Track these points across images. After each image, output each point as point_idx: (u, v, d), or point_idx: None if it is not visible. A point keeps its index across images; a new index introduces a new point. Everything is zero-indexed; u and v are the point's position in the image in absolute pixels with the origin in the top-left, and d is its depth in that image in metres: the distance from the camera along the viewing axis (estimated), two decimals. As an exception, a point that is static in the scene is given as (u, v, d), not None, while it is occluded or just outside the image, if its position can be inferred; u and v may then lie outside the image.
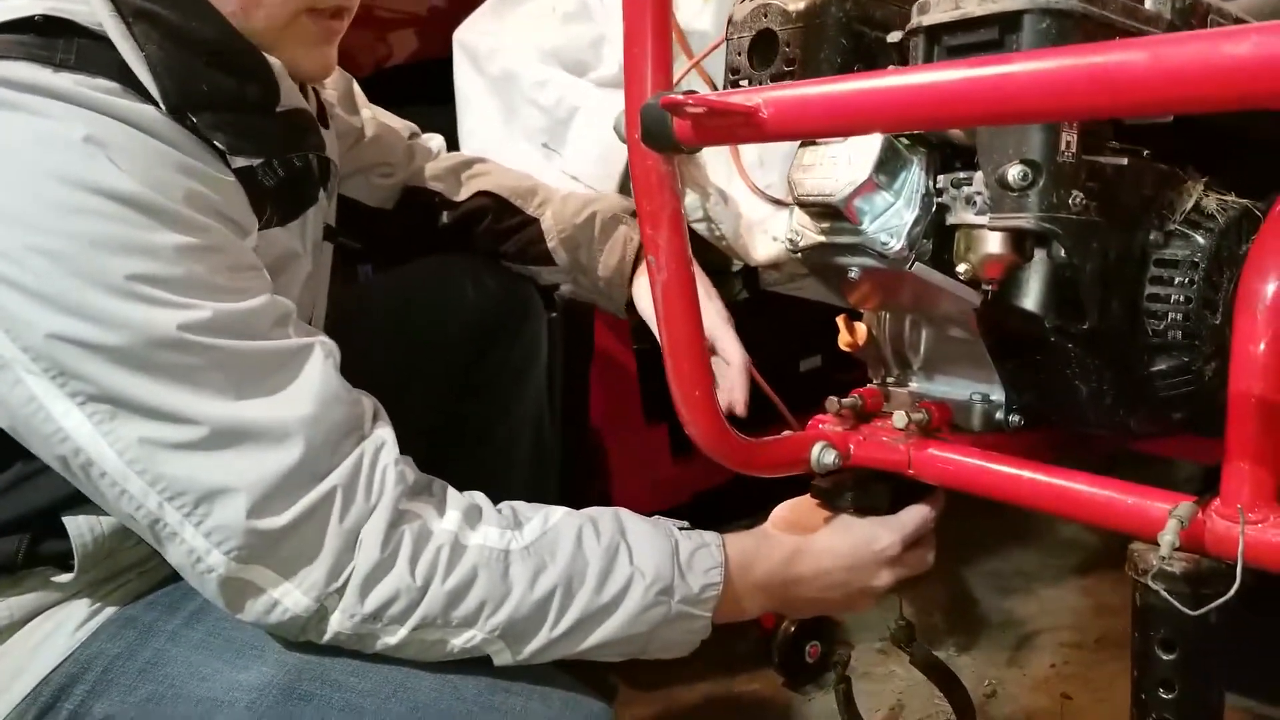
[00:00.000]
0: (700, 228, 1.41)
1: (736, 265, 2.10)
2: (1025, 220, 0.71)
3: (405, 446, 0.86)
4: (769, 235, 1.48)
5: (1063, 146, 0.71)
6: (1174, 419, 0.86)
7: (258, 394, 0.72)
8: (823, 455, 0.87)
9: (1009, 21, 0.69)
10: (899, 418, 0.88)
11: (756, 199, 1.47)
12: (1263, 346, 0.67)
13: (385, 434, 0.80)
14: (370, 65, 2.10)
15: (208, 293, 0.71)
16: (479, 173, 1.24)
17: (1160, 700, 0.74)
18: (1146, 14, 0.75)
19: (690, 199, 1.37)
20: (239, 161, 0.78)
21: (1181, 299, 0.80)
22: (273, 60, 0.81)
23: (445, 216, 1.21)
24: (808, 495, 0.94)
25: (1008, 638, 1.55)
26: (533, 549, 0.78)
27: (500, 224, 1.21)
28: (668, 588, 0.80)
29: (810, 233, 0.86)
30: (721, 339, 1.09)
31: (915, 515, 0.92)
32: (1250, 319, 0.67)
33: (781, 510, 0.94)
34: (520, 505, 0.83)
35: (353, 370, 1.10)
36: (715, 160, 1.50)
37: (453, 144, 1.75)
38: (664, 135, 0.68)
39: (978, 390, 0.92)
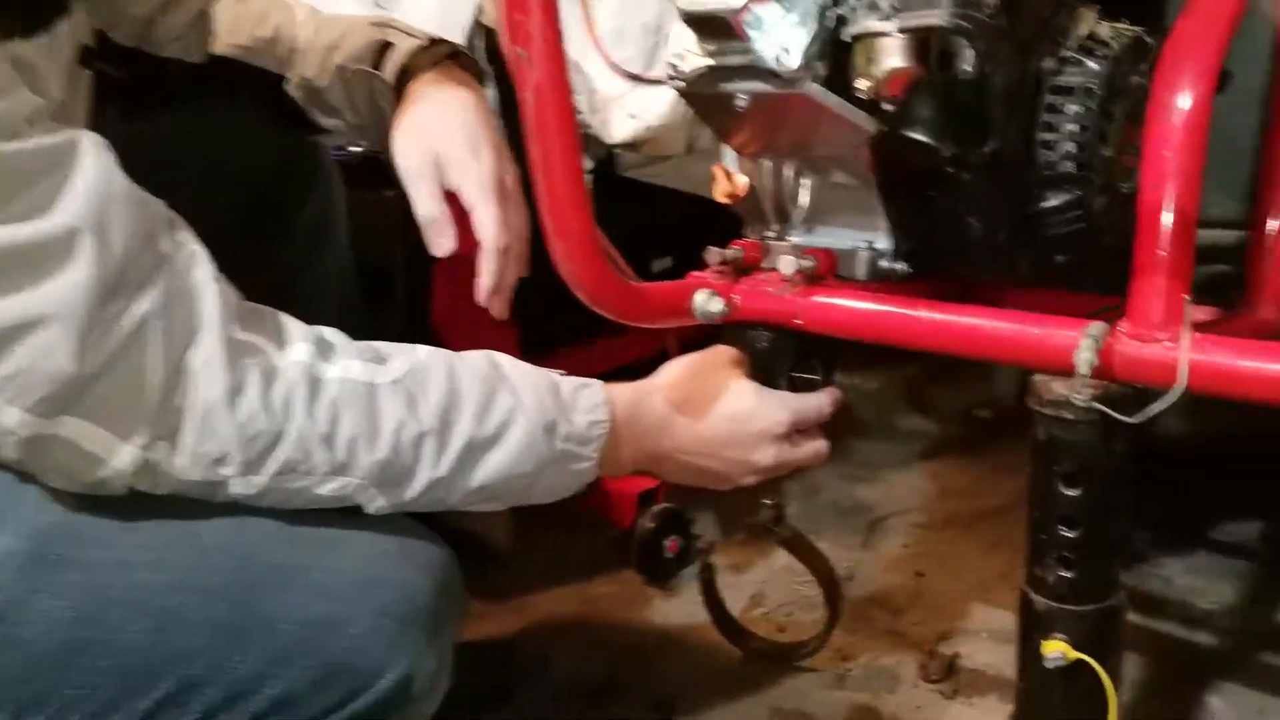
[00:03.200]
0: (550, 101, 1.31)
1: (586, 163, 2.02)
2: (937, 17, 0.66)
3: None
4: (626, 113, 1.39)
5: (977, -62, 0.65)
6: (1060, 261, 0.84)
7: (20, 207, 0.58)
8: (709, 303, 0.80)
9: None
10: (786, 264, 0.82)
11: (613, 74, 1.38)
12: (1174, 150, 0.64)
13: (194, 245, 0.67)
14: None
15: None
16: (216, 27, 1.00)
17: (1062, 538, 0.72)
18: None
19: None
20: None
21: (1076, 128, 0.77)
22: None
23: (192, 90, 1.01)
24: (707, 353, 0.88)
25: (859, 523, 1.55)
26: (401, 383, 0.69)
27: (251, 94, 1.00)
28: (552, 423, 0.74)
29: (695, 55, 0.78)
30: (479, 208, 0.87)
31: (812, 400, 0.89)
32: (1165, 120, 0.64)
33: (674, 367, 0.86)
34: (379, 343, 0.73)
35: None
36: (568, 32, 1.39)
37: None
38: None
39: (862, 238, 0.87)
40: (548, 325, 1.02)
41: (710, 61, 0.77)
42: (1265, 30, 0.86)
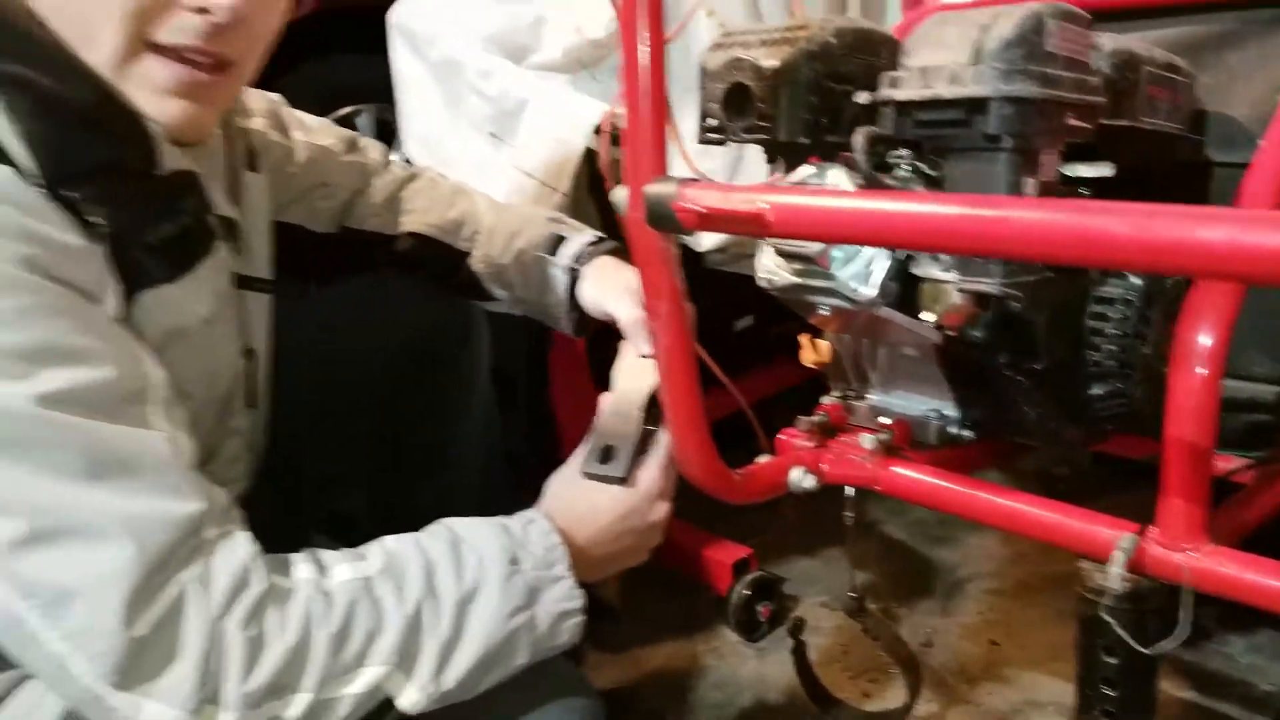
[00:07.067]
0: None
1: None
2: (989, 285, 0.78)
3: (345, 479, 0.90)
4: (713, 222, 1.53)
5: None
6: (1106, 432, 0.96)
7: (92, 482, 0.68)
8: (803, 480, 0.95)
9: (975, 105, 0.75)
10: (866, 439, 0.96)
11: (700, 185, 1.51)
12: (1194, 398, 0.76)
13: (236, 535, 0.76)
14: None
15: (57, 359, 0.68)
16: (411, 207, 1.21)
17: (1104, 695, 0.85)
18: (1092, 84, 0.81)
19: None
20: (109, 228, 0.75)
21: (1118, 332, 0.89)
22: (151, 123, 0.78)
23: (382, 259, 1.21)
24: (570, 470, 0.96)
25: (938, 586, 1.66)
26: (386, 570, 0.78)
27: (434, 266, 1.20)
28: (515, 557, 0.82)
29: (784, 274, 0.92)
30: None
31: (661, 450, 0.92)
32: (1187, 371, 0.76)
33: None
34: (345, 550, 0.81)
35: (277, 398, 1.09)
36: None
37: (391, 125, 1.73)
38: (667, 219, 0.72)
39: (932, 406, 1.00)
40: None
41: (797, 280, 0.91)
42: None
